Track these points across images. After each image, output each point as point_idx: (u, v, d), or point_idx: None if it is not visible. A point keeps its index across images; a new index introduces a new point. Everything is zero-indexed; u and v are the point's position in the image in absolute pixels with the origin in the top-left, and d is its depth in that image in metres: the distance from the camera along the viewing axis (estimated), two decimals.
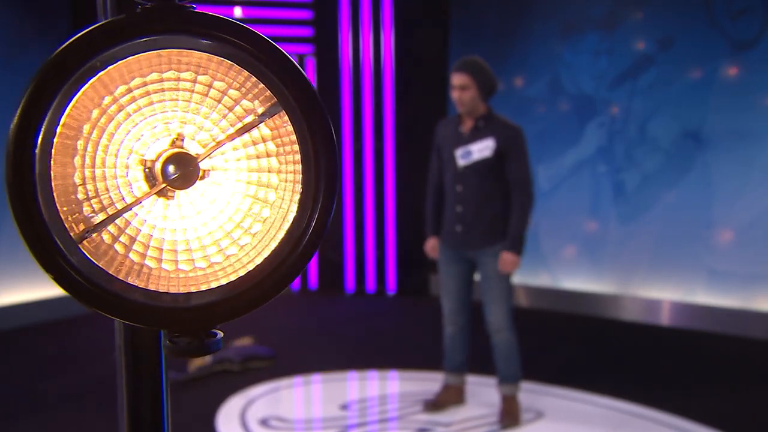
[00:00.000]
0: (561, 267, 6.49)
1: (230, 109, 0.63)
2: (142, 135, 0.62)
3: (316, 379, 4.56)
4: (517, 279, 6.30)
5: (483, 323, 3.71)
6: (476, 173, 3.58)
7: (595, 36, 6.20)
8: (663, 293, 5.89)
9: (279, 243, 0.64)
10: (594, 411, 3.96)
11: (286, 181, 0.64)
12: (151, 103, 0.62)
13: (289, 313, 6.47)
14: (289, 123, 0.63)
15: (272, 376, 4.54)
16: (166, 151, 0.63)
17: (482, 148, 3.54)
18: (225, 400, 4.12)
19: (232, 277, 0.63)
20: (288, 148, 0.64)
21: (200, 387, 4.34)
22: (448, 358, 3.85)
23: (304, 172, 0.64)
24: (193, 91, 0.62)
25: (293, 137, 0.63)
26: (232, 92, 0.63)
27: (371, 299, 7.05)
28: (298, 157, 0.64)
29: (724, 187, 5.58)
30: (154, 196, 0.63)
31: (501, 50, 6.69)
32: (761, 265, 5.40)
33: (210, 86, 0.62)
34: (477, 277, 3.76)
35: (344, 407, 4.05)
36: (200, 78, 0.62)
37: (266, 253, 0.64)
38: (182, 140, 0.63)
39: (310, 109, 0.63)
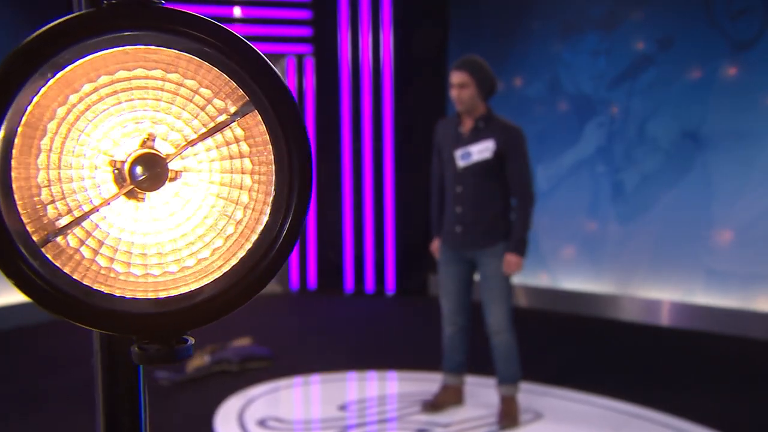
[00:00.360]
0: (560, 267, 6.47)
1: (202, 108, 0.61)
2: (111, 135, 0.60)
3: (315, 379, 4.54)
4: (517, 279, 6.25)
5: (482, 324, 3.69)
6: (476, 174, 3.56)
7: (595, 36, 6.19)
8: (662, 293, 5.87)
9: (251, 246, 0.62)
10: (593, 411, 3.94)
11: (259, 183, 0.62)
12: (120, 102, 0.60)
13: (288, 313, 6.50)
14: (262, 123, 0.61)
15: (271, 376, 4.52)
16: (136, 151, 0.61)
17: (482, 150, 3.52)
18: (223, 400, 4.10)
19: (204, 282, 0.61)
20: (261, 149, 0.62)
21: (198, 387, 4.31)
22: (447, 359, 3.83)
23: (278, 173, 0.61)
24: (163, 90, 0.60)
25: (266, 137, 0.61)
26: (204, 91, 0.61)
27: (370, 299, 7.03)
28: (271, 157, 0.61)
29: (723, 188, 5.55)
30: (124, 198, 0.61)
31: (500, 50, 6.67)
32: (760, 265, 5.38)
33: (180, 85, 0.60)
34: (477, 277, 3.74)
35: (343, 408, 4.03)
36: (170, 76, 0.60)
37: (238, 257, 0.61)
38: (153, 140, 0.61)
39: (283, 109, 0.61)
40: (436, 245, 3.82)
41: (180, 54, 0.58)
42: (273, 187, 0.61)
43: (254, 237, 0.62)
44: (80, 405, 3.91)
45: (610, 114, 6.12)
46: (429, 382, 4.22)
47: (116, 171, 0.60)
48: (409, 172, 6.98)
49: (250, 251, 0.61)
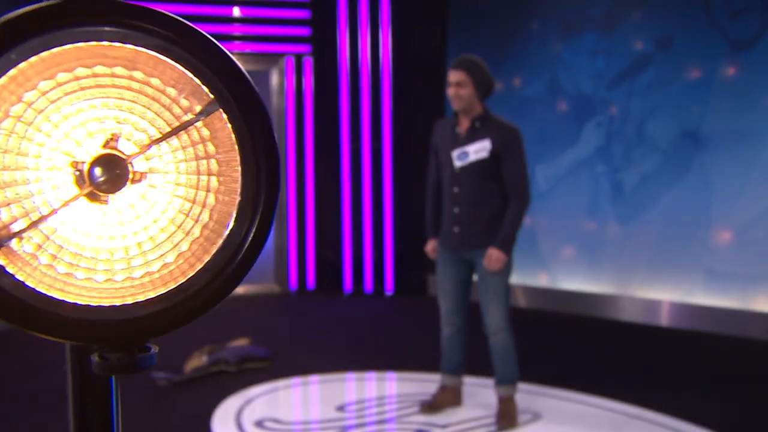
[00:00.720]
0: (559, 267, 6.45)
1: (166, 107, 0.59)
2: (72, 135, 0.58)
3: (314, 380, 4.52)
4: (516, 279, 6.29)
5: (480, 324, 3.67)
6: (473, 174, 3.55)
7: (594, 36, 6.16)
8: (661, 294, 5.85)
9: (217, 251, 0.59)
10: (592, 412, 3.92)
11: (226, 185, 0.60)
12: (81, 101, 0.57)
13: (286, 314, 6.49)
14: (228, 123, 0.59)
15: (269, 377, 4.50)
16: (97, 152, 0.58)
17: (479, 149, 3.51)
18: (221, 401, 4.07)
19: (167, 288, 0.58)
20: (227, 150, 0.59)
21: (196, 388, 4.29)
22: (445, 359, 3.82)
23: (244, 176, 0.59)
24: (127, 88, 0.58)
25: (232, 138, 0.59)
26: (168, 90, 0.58)
27: (369, 299, 7.02)
28: (238, 159, 0.59)
29: (722, 188, 5.53)
30: (87, 200, 0.58)
31: (500, 50, 6.65)
32: (760, 265, 5.36)
33: (145, 83, 0.58)
34: (475, 277, 3.72)
35: (341, 408, 4.02)
36: (134, 74, 0.57)
37: (204, 262, 0.59)
38: (116, 141, 0.58)
39: (250, 108, 0.59)
40: (431, 246, 3.81)
41: (141, 50, 0.55)
42: (239, 191, 0.59)
43: (220, 241, 0.59)
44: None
45: (610, 114, 6.10)
46: (427, 383, 4.20)
47: (77, 173, 0.58)
48: (408, 172, 6.97)
49: (215, 256, 0.59)
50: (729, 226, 5.51)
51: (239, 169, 0.59)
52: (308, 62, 7.14)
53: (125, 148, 0.59)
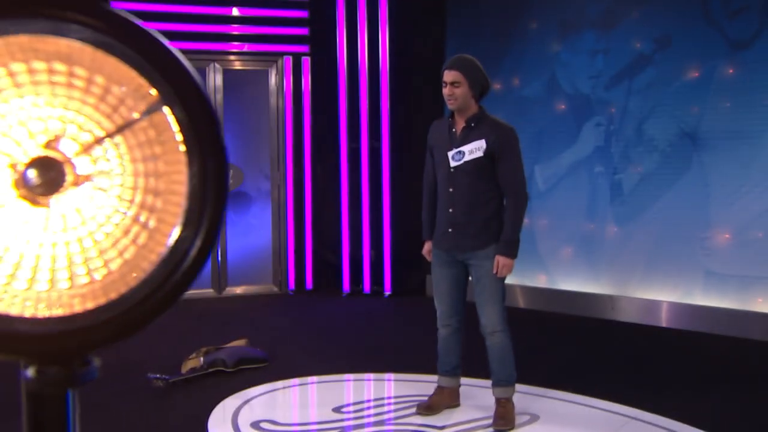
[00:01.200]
0: (558, 268, 6.43)
1: (112, 106, 0.55)
2: (12, 134, 0.54)
3: (311, 381, 4.49)
4: (514, 280, 6.26)
5: (478, 325, 3.64)
6: (468, 174, 3.52)
7: (592, 35, 6.13)
8: (660, 294, 5.82)
9: (160, 261, 0.56)
10: (590, 414, 3.89)
11: (173, 189, 0.56)
12: (17, 98, 0.53)
13: (284, 314, 6.45)
14: (175, 123, 0.55)
15: (266, 378, 4.46)
16: (35, 153, 0.54)
17: (474, 149, 3.49)
18: (217, 402, 4.04)
19: (110, 297, 0.55)
20: (174, 152, 0.56)
21: (192, 389, 4.26)
22: (441, 361, 3.80)
23: (191, 179, 0.55)
24: (69, 86, 0.54)
25: (178, 140, 0.55)
26: (113, 88, 0.55)
27: (367, 300, 6.99)
28: (184, 161, 0.55)
29: (721, 188, 5.50)
30: (29, 205, 0.54)
31: (498, 50, 6.62)
32: (759, 266, 5.33)
33: (88, 81, 0.54)
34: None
35: (338, 410, 3.99)
36: (75, 70, 0.53)
37: (147, 272, 0.55)
38: (58, 141, 0.55)
39: (195, 107, 0.55)
40: (427, 249, 3.79)
41: (84, 46, 0.52)
42: (186, 194, 0.55)
43: (164, 250, 0.56)
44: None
45: (608, 114, 6.07)
46: (425, 384, 4.16)
47: (16, 175, 0.54)
48: (406, 172, 6.93)
49: (159, 266, 0.55)
50: (728, 226, 5.48)
51: (186, 172, 0.55)
52: (306, 62, 7.13)
53: (69, 149, 0.55)
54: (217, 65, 6.98)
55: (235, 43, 6.98)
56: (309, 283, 7.30)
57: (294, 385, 4.42)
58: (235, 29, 6.97)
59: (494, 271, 3.48)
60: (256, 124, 7.17)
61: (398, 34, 6.96)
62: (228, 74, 7.04)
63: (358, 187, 7.13)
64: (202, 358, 4.54)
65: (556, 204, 6.40)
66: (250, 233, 7.22)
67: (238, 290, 7.19)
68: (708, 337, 5.38)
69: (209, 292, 7.09)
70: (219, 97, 6.98)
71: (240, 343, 4.96)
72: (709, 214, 5.56)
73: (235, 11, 6.94)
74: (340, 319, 6.23)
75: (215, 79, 6.96)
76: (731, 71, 5.43)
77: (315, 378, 4.51)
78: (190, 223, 0.55)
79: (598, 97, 6.12)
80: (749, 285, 5.38)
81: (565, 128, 6.32)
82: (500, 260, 3.46)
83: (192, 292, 6.82)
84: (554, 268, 6.45)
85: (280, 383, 4.42)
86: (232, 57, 7.04)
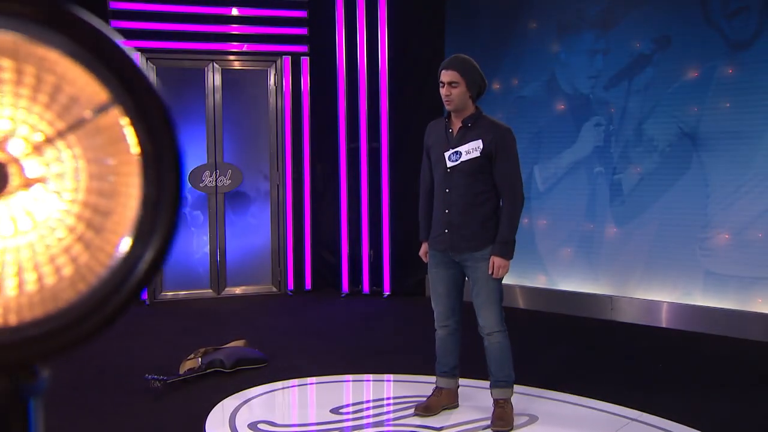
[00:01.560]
0: (557, 268, 6.41)
1: (60, 104, 0.53)
2: None
3: (309, 381, 4.47)
4: (513, 280, 6.30)
5: (476, 326, 3.63)
6: (465, 175, 3.51)
7: (592, 35, 6.11)
8: (660, 295, 5.80)
9: (112, 268, 0.53)
10: (589, 415, 3.87)
11: (126, 194, 0.54)
12: None
13: (283, 314, 6.43)
14: (128, 125, 0.53)
15: (264, 379, 4.44)
16: None
17: (471, 149, 3.48)
18: (216, 403, 4.03)
19: (58, 306, 0.52)
20: (126, 153, 0.53)
21: (191, 390, 4.24)
22: (439, 362, 3.79)
23: (144, 184, 0.53)
24: (18, 84, 0.52)
25: (131, 141, 0.53)
26: (65, 86, 0.52)
27: (367, 300, 6.97)
28: (136, 164, 0.53)
29: (721, 188, 5.48)
30: None
31: (497, 50, 6.60)
32: (758, 266, 5.31)
33: (38, 78, 0.52)
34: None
35: (337, 411, 3.97)
36: (24, 68, 0.51)
37: (97, 280, 0.53)
38: (5, 141, 0.53)
39: (149, 107, 0.52)
40: (424, 250, 3.78)
41: (21, 39, 0.49)
42: (139, 201, 0.53)
43: (117, 254, 0.53)
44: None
45: (608, 114, 6.05)
46: (424, 385, 4.14)
47: None
48: (405, 172, 6.89)
49: (113, 270, 0.53)
50: (727, 226, 5.46)
51: (140, 175, 0.53)
52: (305, 62, 7.10)
53: (17, 149, 0.53)
54: (216, 65, 6.95)
55: (234, 42, 6.96)
56: (308, 284, 7.25)
57: (292, 386, 4.40)
58: (234, 29, 6.95)
59: (490, 272, 3.47)
60: (255, 125, 7.15)
61: (397, 34, 6.94)
62: (227, 74, 7.00)
63: (357, 187, 7.10)
64: (200, 359, 4.52)
65: (556, 204, 6.38)
66: (249, 233, 7.19)
67: (237, 290, 7.17)
68: (707, 338, 5.36)
69: (208, 292, 7.08)
70: (218, 97, 6.95)
71: (238, 343, 4.94)
72: (708, 215, 5.54)
73: (234, 11, 6.92)
74: (339, 320, 6.22)
75: (214, 79, 6.94)
76: (731, 71, 5.41)
77: (313, 379, 4.49)
78: (142, 232, 0.53)
79: (598, 97, 6.10)
80: (749, 285, 5.36)
81: (565, 128, 6.30)
82: (496, 261, 3.45)
83: (191, 292, 6.95)
84: (553, 269, 6.43)
85: (278, 384, 4.40)
86: (230, 57, 7.01)
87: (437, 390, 3.82)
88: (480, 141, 3.46)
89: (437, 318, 3.73)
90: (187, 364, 4.48)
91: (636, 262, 5.94)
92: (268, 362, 4.74)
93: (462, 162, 3.49)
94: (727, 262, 5.47)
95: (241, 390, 4.23)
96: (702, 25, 5.50)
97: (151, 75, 6.52)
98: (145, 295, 6.53)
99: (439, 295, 3.69)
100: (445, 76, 3.48)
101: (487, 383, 3.75)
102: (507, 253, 3.46)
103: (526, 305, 6.52)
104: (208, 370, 4.45)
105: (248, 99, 7.11)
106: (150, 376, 4.19)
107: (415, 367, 4.51)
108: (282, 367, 4.68)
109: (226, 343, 4.92)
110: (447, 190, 3.56)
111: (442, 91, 3.50)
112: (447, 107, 3.54)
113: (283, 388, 4.38)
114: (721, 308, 5.45)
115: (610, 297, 6.06)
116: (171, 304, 6.77)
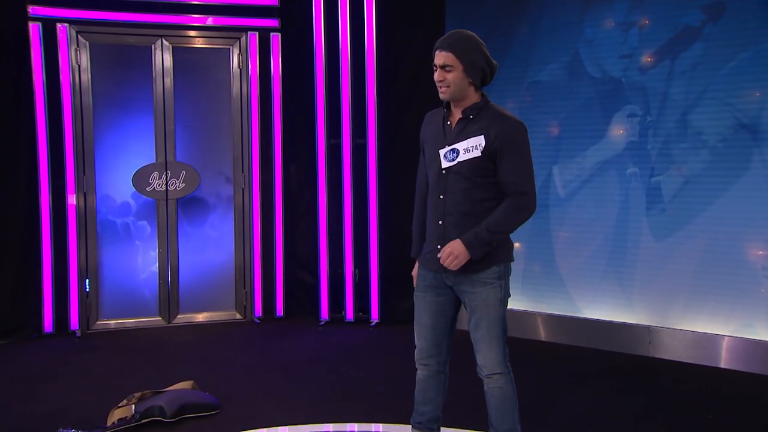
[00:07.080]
0: (581, 291, 6.38)
1: None
2: None
3: None
4: (528, 306, 6.45)
5: (473, 364, 3.48)
6: (462, 178, 3.36)
7: (625, 4, 6.03)
8: (711, 327, 5.73)
9: None
10: None
11: None
12: None
13: (247, 347, 6.44)
14: None
15: (215, 430, 4.38)
16: None
17: (470, 147, 3.34)
18: None
19: None
20: None
21: None
22: (416, 410, 3.69)
23: None
24: None
25: None
26: None
27: (350, 330, 7.00)
28: None
29: None
30: None
31: (508, 25, 6.56)
32: None
33: None
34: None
35: None
36: None
37: None
38: None
39: None
40: (416, 270, 3.69)
41: None
42: None
43: None
44: None
45: (644, 102, 5.99)
46: None
47: None
48: (397, 174, 6.93)
49: None
50: None
51: None
52: (276, 39, 7.14)
53: None
54: (165, 42, 6.94)
55: (189, 15, 6.96)
56: (279, 310, 7.32)
57: None
58: None
59: (438, 256, 3.34)
60: (215, 116, 7.16)
61: (388, 5, 6.91)
62: (179, 53, 7.01)
63: (339, 192, 7.11)
64: (134, 406, 4.46)
65: (580, 213, 6.35)
66: (208, 248, 7.22)
67: (192, 318, 7.21)
68: None
69: (156, 320, 7.09)
70: (168, 81, 6.95)
71: (184, 385, 4.94)
72: None
73: None
74: (315, 354, 6.17)
75: (163, 59, 6.92)
76: None
77: (283, 429, 4.44)
78: None
79: (632, 82, 6.03)
80: None
81: (591, 120, 6.26)
82: (453, 245, 3.29)
83: (134, 320, 7.02)
84: (577, 292, 6.39)
85: None
86: (184, 32, 7.03)
87: None
88: (482, 137, 3.33)
89: (418, 353, 3.64)
90: (117, 413, 4.41)
91: (680, 285, 5.88)
92: (220, 409, 4.67)
93: (459, 163, 3.37)
94: None
95: None
96: None
97: (84, 53, 6.45)
98: (75, 325, 6.51)
99: (424, 326, 3.59)
100: (438, 57, 3.36)
101: None
102: (474, 247, 3.29)
103: (544, 336, 6.51)
104: (143, 420, 4.38)
105: (206, 84, 7.14)
106: (65, 431, 4.11)
107: (407, 414, 4.34)
108: (237, 414, 4.61)
109: (170, 386, 4.86)
110: (441, 197, 3.43)
111: (435, 77, 3.39)
112: (441, 96, 3.42)
113: None
114: None
115: (647, 328, 6.01)
116: (108, 336, 6.77)
